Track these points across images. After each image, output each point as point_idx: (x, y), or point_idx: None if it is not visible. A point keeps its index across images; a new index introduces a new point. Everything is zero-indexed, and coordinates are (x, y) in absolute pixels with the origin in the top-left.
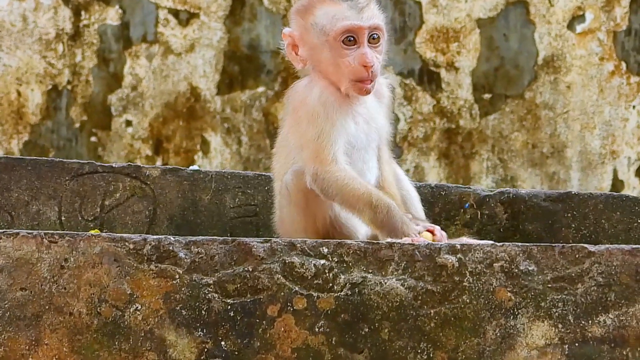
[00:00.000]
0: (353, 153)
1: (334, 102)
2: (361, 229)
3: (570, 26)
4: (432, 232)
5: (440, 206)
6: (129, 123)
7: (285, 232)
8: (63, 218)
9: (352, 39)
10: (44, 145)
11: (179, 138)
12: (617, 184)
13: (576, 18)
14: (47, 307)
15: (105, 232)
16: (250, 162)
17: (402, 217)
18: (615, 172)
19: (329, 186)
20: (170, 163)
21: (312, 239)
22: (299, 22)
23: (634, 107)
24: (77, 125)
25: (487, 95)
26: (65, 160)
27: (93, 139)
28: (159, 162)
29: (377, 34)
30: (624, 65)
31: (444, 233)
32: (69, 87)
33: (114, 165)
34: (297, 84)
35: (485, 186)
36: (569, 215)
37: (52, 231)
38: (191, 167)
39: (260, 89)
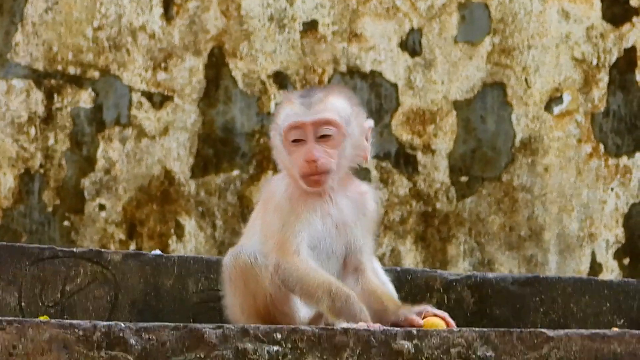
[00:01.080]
0: (315, 255)
1: (300, 196)
2: (302, 309)
3: (548, 108)
4: (442, 318)
5: (406, 290)
6: (102, 207)
7: (231, 313)
8: (23, 304)
9: (299, 135)
10: (16, 229)
11: (153, 222)
12: (595, 266)
13: (554, 99)
14: None
15: (66, 318)
16: (225, 246)
17: (361, 306)
18: (593, 254)
19: (289, 276)
20: (144, 247)
21: (253, 318)
22: (273, 124)
23: (612, 189)
24: (50, 209)
25: (464, 178)
26: (25, 245)
27: (66, 223)
28: (132, 247)
29: (328, 129)
30: (602, 147)
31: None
32: (42, 170)
33: (74, 250)
34: (273, 177)
35: (462, 270)
36: (537, 299)
37: (0, 317)
38: (153, 252)
39: (235, 172)
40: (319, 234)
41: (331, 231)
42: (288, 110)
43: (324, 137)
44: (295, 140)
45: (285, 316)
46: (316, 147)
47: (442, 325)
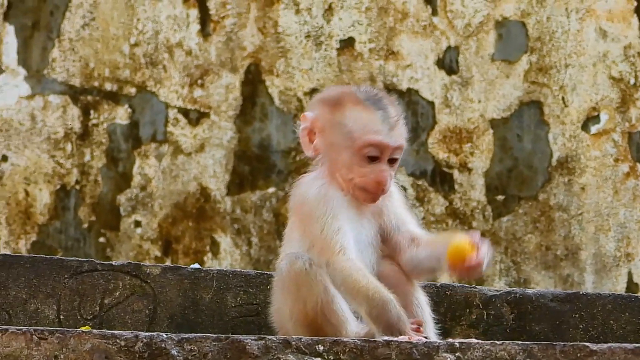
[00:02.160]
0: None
1: (334, 196)
2: (352, 322)
3: (585, 127)
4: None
5: (445, 306)
6: (137, 223)
7: (277, 319)
8: (62, 317)
9: (374, 154)
10: (51, 245)
11: (188, 239)
12: (632, 286)
13: (591, 119)
14: None
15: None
16: (261, 264)
17: (400, 312)
18: (630, 274)
19: (335, 276)
20: (179, 264)
21: (300, 326)
22: (325, 113)
23: None
24: (86, 225)
25: (500, 197)
26: (64, 258)
27: (101, 239)
28: (167, 263)
29: (399, 154)
30: (639, 166)
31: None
32: (78, 186)
33: (113, 264)
34: (301, 179)
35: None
36: (577, 315)
37: (42, 328)
38: (192, 266)
39: (271, 190)
40: (356, 230)
41: (363, 223)
42: (367, 121)
43: (393, 160)
44: (370, 157)
45: (332, 327)
46: (388, 169)
47: (466, 247)
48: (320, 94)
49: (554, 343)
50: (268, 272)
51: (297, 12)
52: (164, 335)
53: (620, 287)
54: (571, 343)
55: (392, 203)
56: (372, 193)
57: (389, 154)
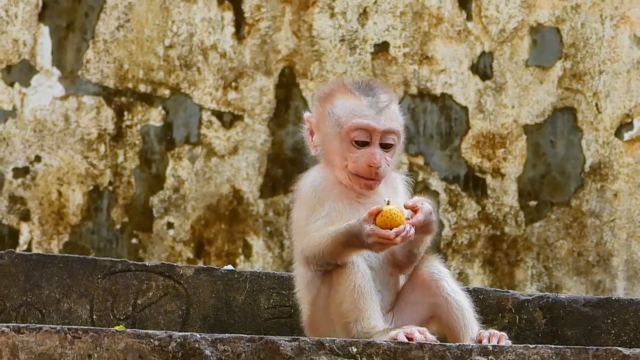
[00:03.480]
0: None
1: (328, 187)
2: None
3: (618, 133)
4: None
5: (478, 310)
6: (170, 225)
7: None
8: (95, 316)
9: (363, 138)
10: (83, 246)
11: (220, 241)
12: None
13: (624, 125)
14: None
15: None
16: (292, 267)
17: (356, 224)
18: None
19: (305, 250)
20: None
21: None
22: (318, 108)
23: None
24: (118, 226)
25: (532, 202)
26: (97, 257)
27: (134, 240)
28: (200, 265)
29: (392, 138)
30: None
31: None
32: (111, 187)
33: (147, 264)
34: (303, 174)
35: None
36: (609, 321)
37: (76, 326)
38: (225, 267)
39: None
40: (348, 219)
41: (361, 214)
42: (354, 106)
43: (386, 145)
44: (358, 141)
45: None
46: (380, 153)
47: (395, 216)
48: (315, 94)
49: (587, 347)
50: None
51: (332, 15)
52: (198, 336)
53: None
54: (604, 347)
55: (397, 196)
56: (365, 178)
57: (379, 138)
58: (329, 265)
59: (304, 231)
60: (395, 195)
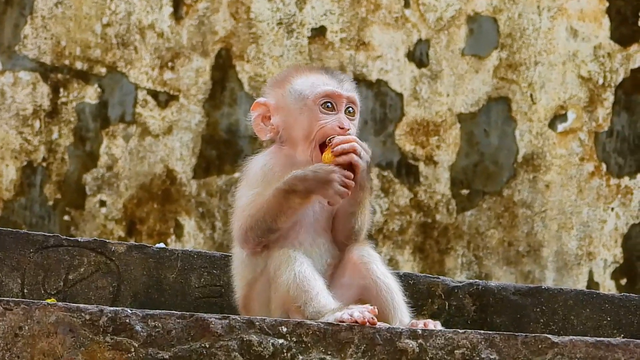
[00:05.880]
0: (300, 232)
1: (277, 170)
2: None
3: (552, 125)
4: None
5: (408, 295)
6: (102, 203)
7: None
8: (26, 290)
9: (330, 105)
10: (16, 221)
11: (152, 220)
12: (592, 285)
13: (558, 117)
14: None
15: None
16: (224, 248)
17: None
18: (591, 273)
19: (244, 223)
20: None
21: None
22: (276, 91)
23: (612, 209)
24: (51, 203)
25: (464, 191)
26: (30, 232)
27: (66, 217)
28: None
29: (352, 108)
30: (604, 166)
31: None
32: (44, 164)
33: (79, 240)
34: (251, 157)
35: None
36: (538, 310)
37: (7, 298)
38: (157, 245)
39: (237, 175)
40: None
41: (314, 206)
42: (316, 79)
43: (349, 115)
44: (326, 107)
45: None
46: (346, 118)
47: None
48: (268, 81)
49: (516, 334)
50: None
51: None
52: (129, 311)
53: (581, 286)
54: (533, 334)
55: None
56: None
57: (343, 104)
58: (270, 232)
59: (245, 207)
60: None
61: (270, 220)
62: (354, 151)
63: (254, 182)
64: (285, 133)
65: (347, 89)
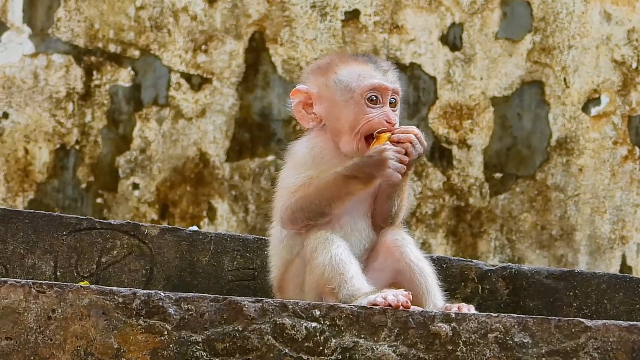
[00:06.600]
0: (342, 215)
1: (326, 153)
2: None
3: (585, 108)
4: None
5: (441, 278)
6: (135, 186)
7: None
8: (58, 273)
9: (375, 97)
10: (49, 204)
11: (185, 203)
12: (625, 269)
13: (591, 101)
14: (31, 358)
15: None
16: (257, 231)
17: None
18: (624, 257)
19: (292, 204)
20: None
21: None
22: (318, 79)
23: None
24: (84, 185)
25: (498, 175)
26: (63, 215)
27: (99, 200)
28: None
29: (395, 98)
30: (637, 150)
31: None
32: (77, 147)
33: (112, 222)
34: (296, 140)
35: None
36: (571, 293)
37: (41, 281)
38: (190, 228)
39: (270, 158)
40: None
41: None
42: (361, 71)
43: (392, 104)
44: (372, 101)
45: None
46: (391, 110)
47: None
48: (307, 67)
49: (549, 317)
50: (266, 238)
51: None
52: (162, 294)
53: (614, 270)
54: (566, 318)
55: None
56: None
57: (389, 96)
58: (321, 215)
59: (295, 187)
60: None
61: (325, 204)
62: (410, 141)
63: (304, 164)
64: (329, 123)
65: (392, 80)
